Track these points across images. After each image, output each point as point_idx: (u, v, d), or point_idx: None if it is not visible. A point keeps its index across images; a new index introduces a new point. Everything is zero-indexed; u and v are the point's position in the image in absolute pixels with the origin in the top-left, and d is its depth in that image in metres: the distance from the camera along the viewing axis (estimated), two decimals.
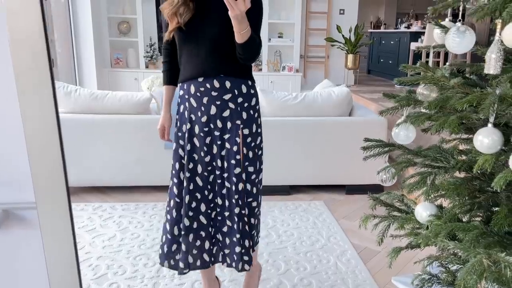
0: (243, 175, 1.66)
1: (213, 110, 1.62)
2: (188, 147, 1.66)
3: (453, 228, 1.20)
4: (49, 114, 0.73)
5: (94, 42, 5.80)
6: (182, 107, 1.68)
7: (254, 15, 1.52)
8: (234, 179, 1.64)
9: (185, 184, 1.67)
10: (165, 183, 3.27)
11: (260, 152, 1.72)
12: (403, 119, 1.40)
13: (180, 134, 1.70)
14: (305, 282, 2.16)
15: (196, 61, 1.59)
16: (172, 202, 1.72)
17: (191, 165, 1.67)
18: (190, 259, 1.70)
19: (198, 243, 1.70)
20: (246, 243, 1.67)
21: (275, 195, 3.28)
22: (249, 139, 1.65)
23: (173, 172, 1.72)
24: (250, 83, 1.66)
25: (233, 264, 1.70)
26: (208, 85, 1.59)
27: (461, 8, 1.16)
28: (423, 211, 1.38)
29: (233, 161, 1.64)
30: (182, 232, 1.68)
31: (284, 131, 3.19)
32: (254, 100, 1.68)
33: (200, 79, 1.59)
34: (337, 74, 6.81)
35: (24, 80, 0.67)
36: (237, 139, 1.63)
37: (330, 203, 3.21)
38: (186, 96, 1.65)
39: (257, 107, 1.70)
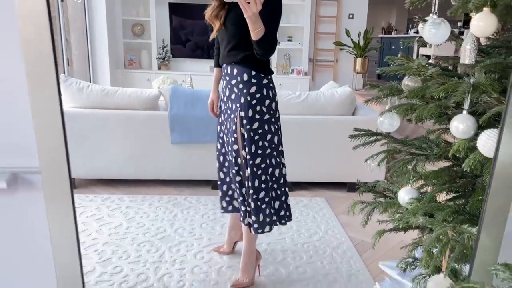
0: (243, 152, 1.91)
1: (227, 92, 1.97)
2: (219, 120, 2.08)
3: (429, 208, 1.28)
4: (51, 86, 0.84)
5: (109, 44, 5.99)
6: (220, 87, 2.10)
7: (270, 15, 1.74)
8: (234, 153, 1.93)
9: (219, 147, 2.12)
10: (172, 177, 3.40)
11: (257, 137, 1.87)
12: (387, 108, 1.49)
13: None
14: (300, 270, 2.25)
15: (222, 51, 1.95)
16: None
17: (221, 134, 2.09)
18: (224, 204, 2.22)
19: (230, 192, 2.18)
20: (246, 206, 1.99)
21: None
22: (244, 121, 1.87)
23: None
24: (253, 73, 1.86)
25: (241, 218, 2.04)
26: (225, 71, 1.95)
27: (436, 2, 1.24)
28: (405, 195, 1.46)
29: (232, 138, 1.93)
30: (218, 183, 2.19)
31: (287, 129, 3.27)
32: (254, 88, 1.87)
33: (223, 65, 1.96)
34: (345, 77, 6.87)
35: (30, 54, 0.77)
36: (235, 119, 1.89)
37: (331, 199, 3.28)
38: (221, 79, 2.04)
39: (258, 95, 1.87)
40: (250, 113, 1.85)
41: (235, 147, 1.91)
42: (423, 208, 1.29)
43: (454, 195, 1.53)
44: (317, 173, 3.43)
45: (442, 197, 1.51)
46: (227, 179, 2.13)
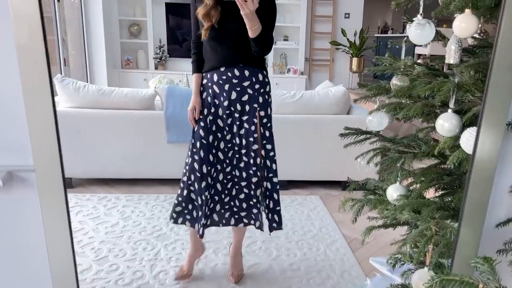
0: (263, 152, 1.95)
1: (233, 95, 1.88)
2: (213, 128, 1.94)
3: (416, 204, 1.31)
4: (45, 88, 0.87)
5: (105, 44, 6.01)
6: (205, 93, 1.93)
7: (267, 14, 1.77)
8: (252, 154, 1.93)
9: (211, 159, 1.94)
10: (168, 176, 3.43)
11: (272, 133, 1.97)
12: (376, 107, 1.52)
13: (201, 117, 1.93)
14: (294, 267, 2.28)
15: (220, 54, 1.86)
16: (193, 177, 1.95)
17: (215, 143, 1.95)
18: (204, 220, 1.97)
19: (211, 205, 2.00)
20: (259, 208, 2.00)
21: None
22: (265, 120, 1.92)
23: (194, 150, 1.94)
24: (264, 72, 1.93)
25: (251, 222, 2.05)
26: (229, 74, 1.86)
27: (421, 3, 1.28)
28: (393, 192, 1.49)
29: (251, 139, 1.92)
30: (201, 196, 1.96)
31: (282, 128, 3.30)
32: (268, 87, 1.95)
33: (222, 69, 1.86)
34: (341, 77, 6.91)
35: (24, 56, 0.80)
36: (254, 120, 1.91)
37: (325, 198, 3.32)
38: (210, 84, 1.91)
39: (270, 93, 1.95)
40: (269, 111, 1.93)
41: (255, 147, 1.92)
42: (410, 204, 1.32)
43: (442, 192, 1.57)
44: (312, 172, 3.46)
45: (431, 194, 1.54)
46: (212, 191, 1.98)
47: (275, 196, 2.01)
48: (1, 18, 0.82)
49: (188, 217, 2.02)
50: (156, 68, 6.55)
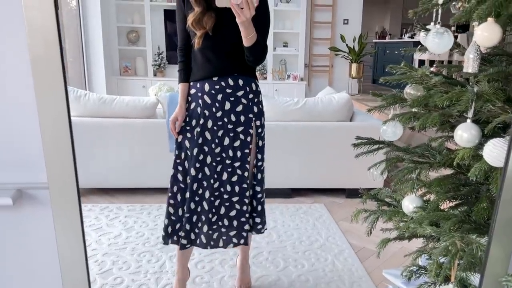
0: (254, 162, 1.89)
1: (227, 105, 1.79)
2: (200, 140, 1.81)
3: (435, 217, 1.28)
4: (60, 101, 0.83)
5: (104, 51, 5.97)
6: (193, 104, 1.83)
7: (262, 23, 1.71)
8: (247, 166, 1.85)
9: (193, 173, 1.81)
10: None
11: (264, 142, 1.92)
12: (390, 117, 1.49)
13: (188, 128, 1.83)
14: (303, 279, 2.24)
15: (214, 63, 1.76)
16: (175, 188, 1.89)
17: (201, 157, 1.82)
18: (192, 236, 1.88)
19: (199, 224, 1.87)
20: (251, 221, 1.96)
21: (277, 198, 3.36)
22: (259, 130, 1.87)
23: (178, 161, 1.86)
24: (256, 81, 1.87)
25: (241, 241, 1.92)
26: (223, 83, 1.77)
27: (439, 12, 1.25)
28: (409, 204, 1.46)
29: (247, 150, 1.84)
30: (187, 215, 1.84)
31: (286, 136, 3.27)
32: (260, 96, 1.89)
33: (215, 78, 1.77)
34: (341, 83, 6.90)
35: (39, 68, 0.77)
36: (250, 130, 1.83)
37: (330, 206, 3.28)
38: (199, 94, 1.81)
39: (263, 102, 1.91)
40: (262, 120, 1.88)
41: (249, 158, 1.85)
42: (429, 217, 1.29)
43: (457, 202, 1.53)
44: (316, 180, 3.42)
45: (445, 204, 1.51)
46: (199, 209, 1.86)
47: (254, 203, 1.94)
48: (15, 29, 0.79)
49: (175, 238, 1.90)
50: (155, 75, 6.51)
